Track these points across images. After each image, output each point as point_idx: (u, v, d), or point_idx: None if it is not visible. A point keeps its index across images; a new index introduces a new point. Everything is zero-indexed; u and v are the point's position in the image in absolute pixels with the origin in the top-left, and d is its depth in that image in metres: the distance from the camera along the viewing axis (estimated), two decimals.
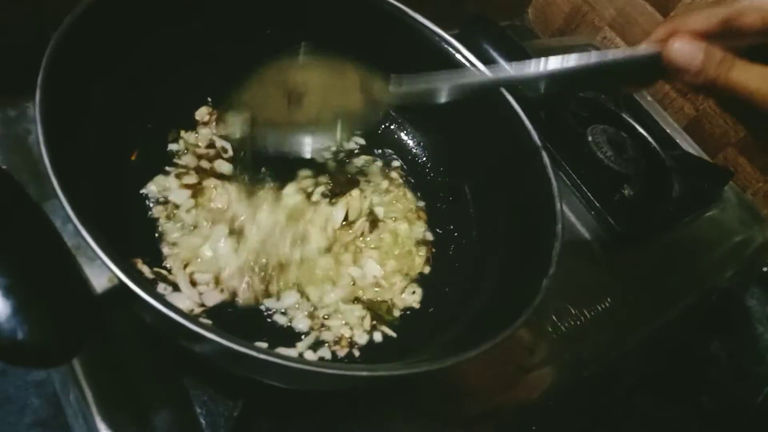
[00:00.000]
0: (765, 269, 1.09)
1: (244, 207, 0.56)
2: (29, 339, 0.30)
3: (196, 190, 0.56)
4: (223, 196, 0.55)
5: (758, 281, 1.07)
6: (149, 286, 0.39)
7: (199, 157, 0.59)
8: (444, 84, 0.51)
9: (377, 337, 0.54)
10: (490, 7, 1.18)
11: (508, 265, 0.55)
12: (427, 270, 0.61)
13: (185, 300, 0.48)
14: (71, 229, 0.36)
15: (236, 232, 0.54)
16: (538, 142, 0.57)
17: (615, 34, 1.17)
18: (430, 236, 0.63)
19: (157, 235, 0.52)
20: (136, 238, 0.51)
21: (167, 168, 0.57)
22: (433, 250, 0.62)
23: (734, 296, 1.02)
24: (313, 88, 0.53)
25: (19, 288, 0.31)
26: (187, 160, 0.58)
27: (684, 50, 0.41)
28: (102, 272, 0.35)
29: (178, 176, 0.56)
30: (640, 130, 0.98)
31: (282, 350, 0.50)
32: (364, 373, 0.36)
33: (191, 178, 0.57)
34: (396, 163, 0.68)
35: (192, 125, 0.61)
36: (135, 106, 0.55)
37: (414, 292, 0.58)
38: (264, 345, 0.49)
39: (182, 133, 0.60)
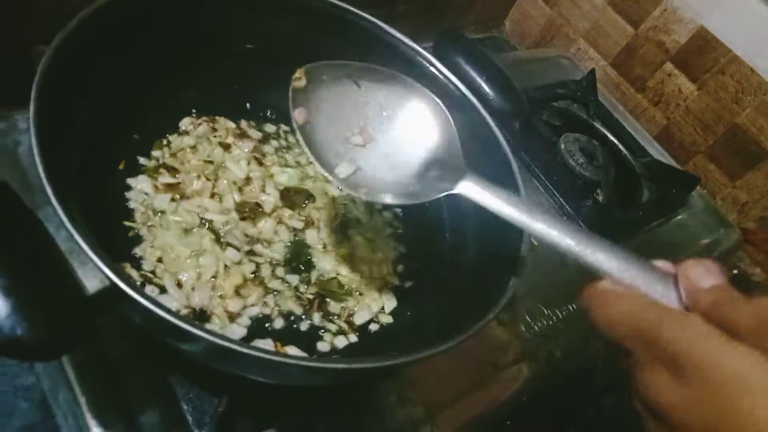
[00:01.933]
0: (735, 272, 1.13)
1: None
2: (27, 335, 0.32)
3: (175, 191, 0.58)
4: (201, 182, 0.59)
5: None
6: (138, 286, 0.42)
7: (178, 157, 0.62)
8: None
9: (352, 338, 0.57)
10: (468, 20, 1.22)
11: (480, 267, 0.58)
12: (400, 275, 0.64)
13: (172, 301, 0.50)
14: (64, 234, 0.38)
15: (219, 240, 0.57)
16: (508, 150, 0.61)
17: (589, 45, 1.22)
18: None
19: (141, 238, 0.54)
20: (123, 243, 0.54)
21: (143, 172, 0.59)
22: (407, 251, 0.66)
23: None
24: None
25: (18, 288, 0.33)
26: (168, 160, 0.61)
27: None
28: (94, 274, 0.38)
29: (152, 176, 0.59)
30: (612, 138, 1.02)
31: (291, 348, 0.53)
32: (340, 366, 0.38)
33: (166, 178, 0.59)
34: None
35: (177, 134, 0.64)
36: (122, 118, 0.57)
37: (389, 298, 0.61)
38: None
39: (168, 137, 0.63)
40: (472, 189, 0.47)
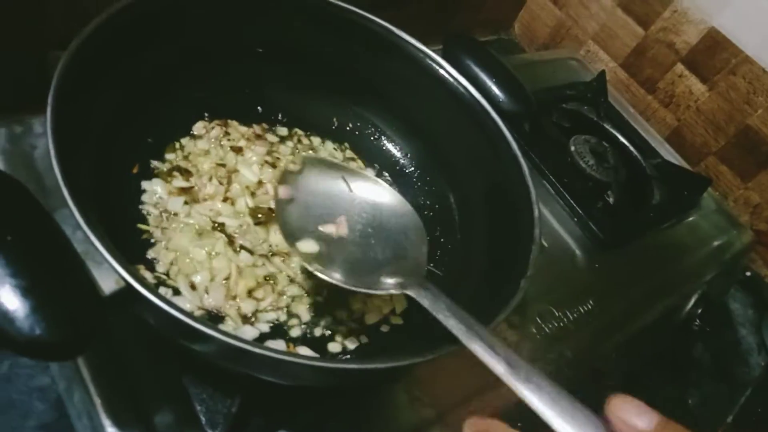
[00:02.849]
0: (748, 273, 1.13)
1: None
2: (45, 335, 0.33)
3: (188, 194, 0.59)
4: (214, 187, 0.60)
5: (740, 285, 1.11)
6: (152, 287, 0.42)
7: (191, 161, 0.63)
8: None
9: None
10: (477, 23, 1.22)
11: (490, 268, 0.58)
12: None
13: (186, 303, 0.51)
14: (80, 236, 0.39)
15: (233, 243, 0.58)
16: (518, 152, 0.61)
17: (598, 47, 1.22)
18: None
19: (155, 241, 0.55)
20: (137, 246, 0.54)
21: (157, 175, 0.60)
22: None
23: (717, 300, 1.06)
24: None
25: (36, 289, 0.34)
26: (182, 164, 0.62)
27: None
28: (109, 275, 0.38)
29: (166, 179, 0.59)
30: (622, 139, 1.01)
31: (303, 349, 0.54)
32: (352, 366, 0.38)
33: (179, 181, 0.60)
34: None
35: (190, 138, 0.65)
36: (135, 122, 0.58)
37: (400, 300, 0.61)
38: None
39: (181, 141, 0.63)
40: (422, 296, 0.48)
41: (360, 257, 0.55)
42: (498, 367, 0.39)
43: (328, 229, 0.56)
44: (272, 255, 0.59)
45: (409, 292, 0.49)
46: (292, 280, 0.58)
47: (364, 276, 0.53)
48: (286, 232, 0.54)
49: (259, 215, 0.61)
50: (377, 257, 0.55)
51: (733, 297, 1.10)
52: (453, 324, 0.43)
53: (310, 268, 0.52)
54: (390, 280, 0.52)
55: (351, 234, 0.56)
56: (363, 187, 0.60)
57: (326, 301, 0.58)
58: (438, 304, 0.46)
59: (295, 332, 0.55)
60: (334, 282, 0.51)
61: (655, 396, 0.95)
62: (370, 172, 0.69)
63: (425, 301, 0.47)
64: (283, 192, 0.57)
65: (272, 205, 0.62)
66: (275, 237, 0.60)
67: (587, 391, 0.79)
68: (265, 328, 0.54)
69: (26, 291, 0.33)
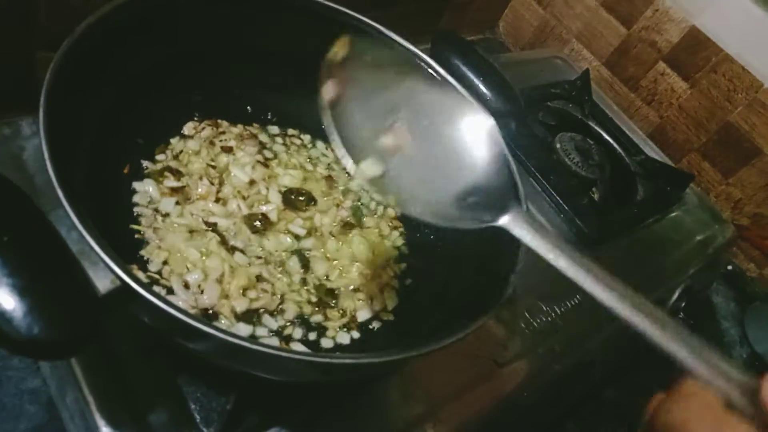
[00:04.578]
0: (730, 267, 1.15)
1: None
2: (43, 334, 0.33)
3: (180, 194, 0.59)
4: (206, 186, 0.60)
5: (723, 279, 1.13)
6: (148, 286, 0.43)
7: (182, 161, 0.63)
8: None
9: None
10: (463, 22, 1.23)
11: (479, 264, 0.59)
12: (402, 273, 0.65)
13: (179, 302, 0.51)
14: (75, 236, 0.39)
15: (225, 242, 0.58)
16: (506, 149, 0.61)
17: (582, 46, 1.23)
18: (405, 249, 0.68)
19: (147, 241, 0.55)
20: (130, 245, 0.55)
21: (149, 175, 0.60)
22: (408, 250, 0.67)
23: (700, 293, 1.08)
24: None
25: (33, 289, 0.34)
26: (172, 164, 0.62)
27: None
28: (104, 275, 0.39)
29: (157, 180, 0.60)
30: (606, 137, 1.03)
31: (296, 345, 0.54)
32: (347, 361, 0.39)
33: (171, 181, 0.60)
34: None
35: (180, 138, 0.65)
36: (125, 122, 0.58)
37: (391, 296, 0.62)
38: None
39: (171, 141, 0.64)
40: (519, 226, 0.41)
41: (431, 178, 0.44)
42: (636, 318, 0.37)
43: (386, 141, 0.45)
44: (267, 263, 0.59)
45: (502, 224, 0.41)
46: (289, 287, 0.59)
47: (444, 207, 0.44)
48: (351, 153, 0.43)
49: (256, 223, 0.61)
50: (450, 177, 0.45)
51: (716, 291, 1.12)
52: (564, 265, 0.39)
53: (384, 201, 0.45)
54: (477, 210, 0.43)
55: (413, 147, 0.45)
56: (423, 81, 0.49)
57: (318, 299, 0.59)
58: (543, 239, 0.39)
59: (287, 330, 0.56)
60: (417, 216, 0.43)
61: (640, 389, 0.97)
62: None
63: (526, 237, 0.40)
64: (329, 91, 0.45)
65: (265, 210, 0.62)
66: (269, 243, 0.60)
67: (576, 385, 0.81)
68: (260, 326, 0.54)
69: (24, 290, 0.33)
